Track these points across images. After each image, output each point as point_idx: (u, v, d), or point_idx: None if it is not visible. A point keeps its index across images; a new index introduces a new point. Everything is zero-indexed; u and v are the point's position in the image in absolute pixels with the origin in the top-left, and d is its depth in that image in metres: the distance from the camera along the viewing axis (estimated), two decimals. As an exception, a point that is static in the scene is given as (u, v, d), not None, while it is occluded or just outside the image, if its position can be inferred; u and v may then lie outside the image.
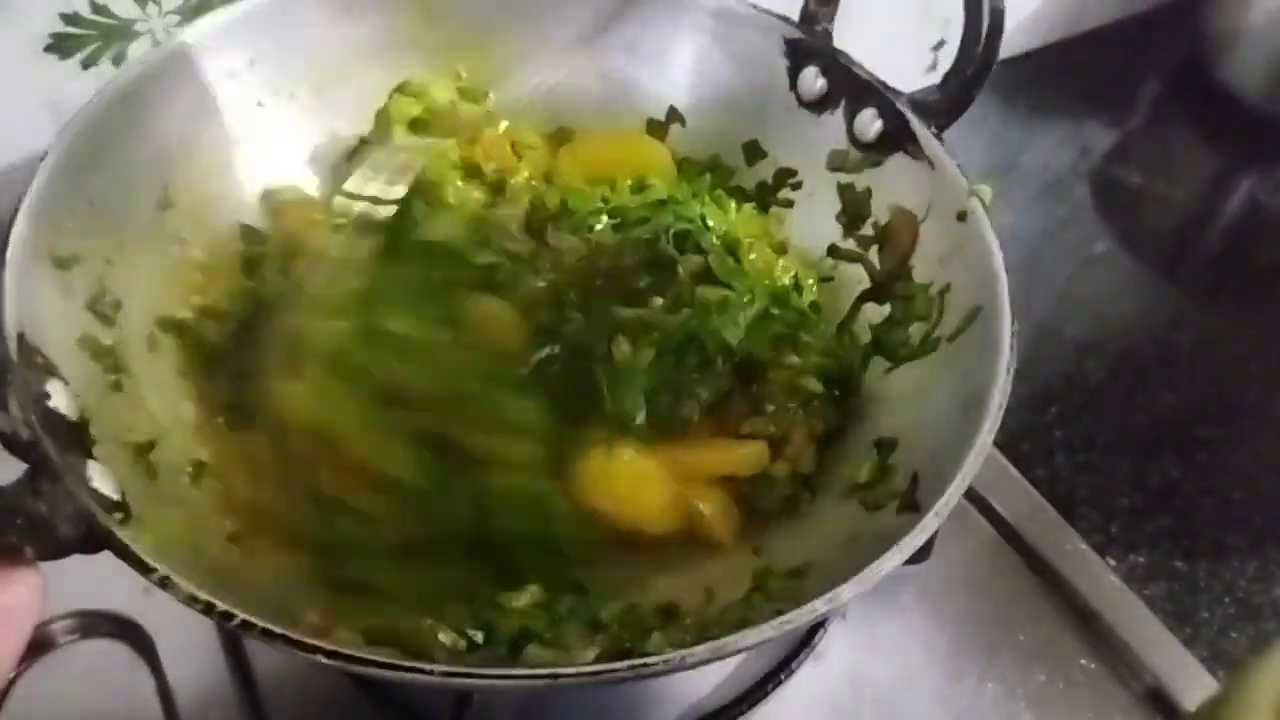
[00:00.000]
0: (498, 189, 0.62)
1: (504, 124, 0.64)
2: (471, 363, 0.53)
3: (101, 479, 0.39)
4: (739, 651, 0.38)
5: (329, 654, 0.36)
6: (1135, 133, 1.05)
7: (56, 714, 0.55)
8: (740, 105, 0.63)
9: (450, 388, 0.51)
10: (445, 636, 0.43)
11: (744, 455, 0.53)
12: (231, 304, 0.55)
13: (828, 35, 0.60)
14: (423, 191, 0.59)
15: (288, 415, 0.50)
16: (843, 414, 0.56)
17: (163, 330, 0.52)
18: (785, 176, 0.63)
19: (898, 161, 0.57)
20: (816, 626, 0.61)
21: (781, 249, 0.62)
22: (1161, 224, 0.97)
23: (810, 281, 0.61)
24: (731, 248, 0.59)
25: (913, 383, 0.55)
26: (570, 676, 0.36)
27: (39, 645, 0.56)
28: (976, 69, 0.54)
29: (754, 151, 0.64)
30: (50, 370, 0.42)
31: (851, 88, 0.59)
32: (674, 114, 0.65)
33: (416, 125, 0.62)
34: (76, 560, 0.37)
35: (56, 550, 0.36)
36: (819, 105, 0.61)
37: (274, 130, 0.59)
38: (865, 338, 0.58)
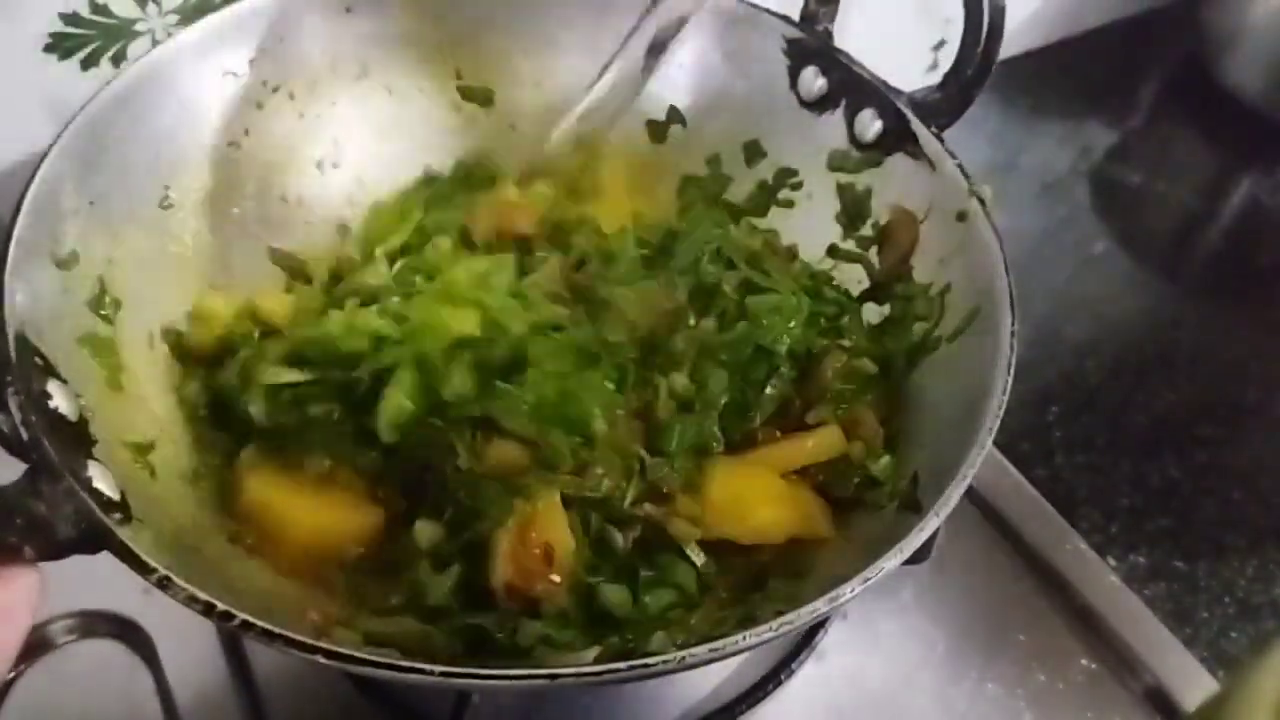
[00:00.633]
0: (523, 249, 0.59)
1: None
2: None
3: (101, 479, 0.39)
4: (739, 651, 0.38)
5: (329, 654, 0.36)
6: (1135, 133, 1.05)
7: (56, 714, 0.55)
8: (741, 105, 0.63)
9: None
10: None
11: (822, 439, 0.53)
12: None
13: (828, 35, 0.60)
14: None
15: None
16: (900, 396, 0.55)
17: (163, 331, 0.52)
18: (785, 176, 0.63)
19: (898, 162, 0.57)
20: (816, 626, 0.61)
21: (792, 255, 0.62)
22: (1161, 224, 0.97)
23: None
24: (757, 256, 0.58)
25: (913, 383, 0.55)
26: (570, 676, 0.36)
27: (39, 645, 0.56)
28: (977, 69, 0.54)
29: (754, 151, 0.64)
30: (50, 370, 0.42)
31: (852, 88, 0.59)
32: (674, 114, 0.65)
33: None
34: (76, 560, 0.37)
35: (56, 550, 0.36)
36: (819, 105, 0.61)
37: (274, 130, 0.59)
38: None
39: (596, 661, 0.42)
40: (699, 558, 0.49)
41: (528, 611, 0.46)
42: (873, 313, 0.59)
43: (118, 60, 0.62)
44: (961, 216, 0.53)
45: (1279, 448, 0.77)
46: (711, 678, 0.59)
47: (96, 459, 0.41)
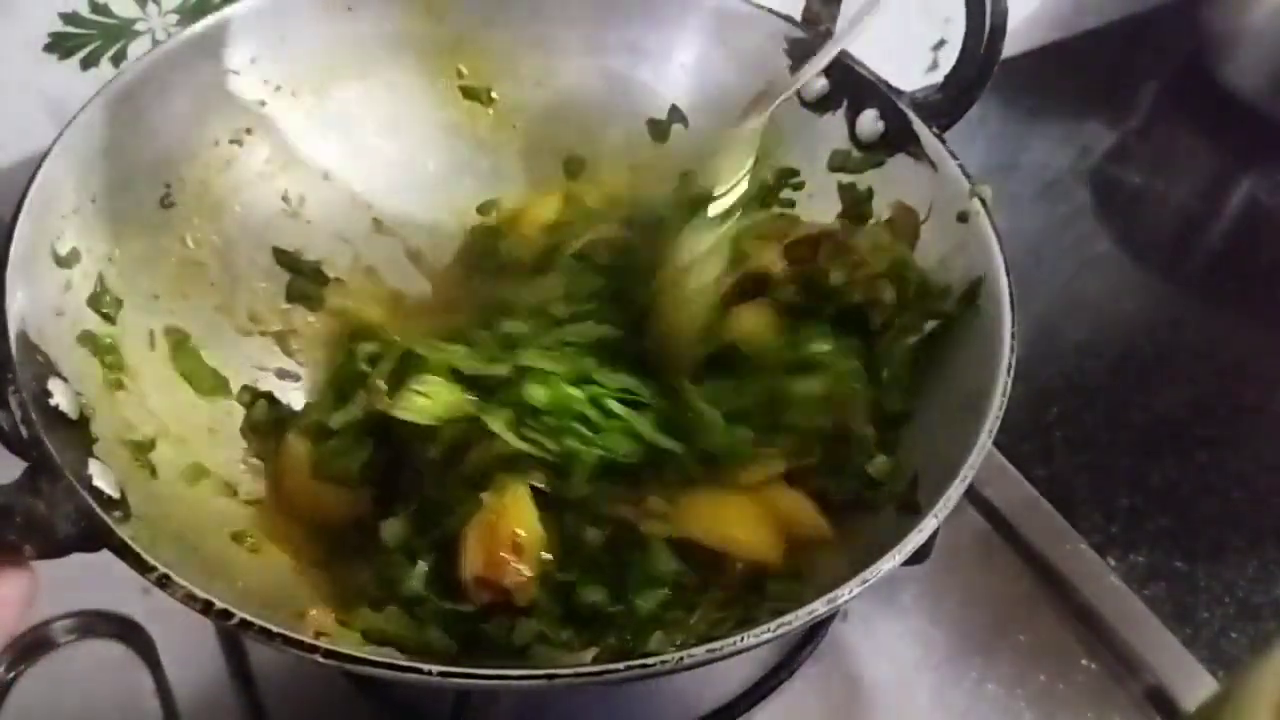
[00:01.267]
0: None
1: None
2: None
3: (101, 477, 0.39)
4: (738, 652, 0.37)
5: (328, 654, 0.36)
6: (1135, 133, 1.04)
7: (56, 714, 0.55)
8: (742, 105, 0.63)
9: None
10: None
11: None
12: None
13: (830, 35, 0.60)
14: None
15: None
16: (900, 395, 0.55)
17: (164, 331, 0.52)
18: (786, 176, 0.63)
19: (899, 162, 0.57)
20: (816, 627, 0.61)
21: None
22: (1161, 224, 0.97)
23: None
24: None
25: (912, 382, 0.54)
26: (569, 677, 0.36)
27: (39, 645, 0.56)
28: (979, 70, 0.54)
29: (755, 151, 0.64)
30: (51, 368, 0.42)
31: (853, 88, 0.59)
32: (676, 113, 0.65)
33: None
34: (77, 560, 0.37)
35: (56, 548, 0.36)
36: (821, 105, 0.61)
37: (276, 129, 0.59)
38: None
39: (595, 662, 0.42)
40: (669, 558, 0.48)
41: (503, 606, 0.46)
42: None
43: (118, 60, 0.62)
44: (962, 217, 0.53)
45: (1279, 448, 0.77)
46: (711, 678, 0.59)
47: (97, 457, 0.41)
